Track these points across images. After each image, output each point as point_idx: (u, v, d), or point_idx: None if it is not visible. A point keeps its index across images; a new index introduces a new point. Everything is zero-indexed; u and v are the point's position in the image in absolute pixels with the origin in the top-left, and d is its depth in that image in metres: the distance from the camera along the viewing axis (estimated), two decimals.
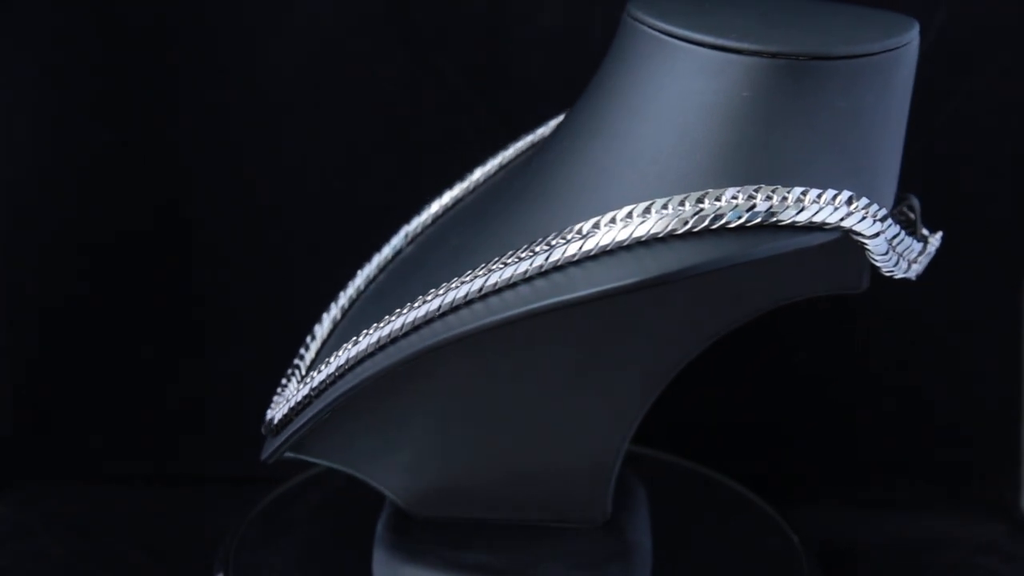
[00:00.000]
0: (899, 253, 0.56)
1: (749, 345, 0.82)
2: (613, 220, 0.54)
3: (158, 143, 0.82)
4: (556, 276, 0.55)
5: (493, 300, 0.56)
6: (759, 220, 0.52)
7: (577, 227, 0.54)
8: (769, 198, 0.52)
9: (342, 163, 0.83)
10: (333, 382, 0.61)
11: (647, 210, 0.53)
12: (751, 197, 0.52)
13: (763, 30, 0.55)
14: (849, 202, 0.53)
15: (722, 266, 0.53)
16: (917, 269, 0.58)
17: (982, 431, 0.86)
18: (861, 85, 0.55)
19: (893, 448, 0.87)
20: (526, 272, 0.55)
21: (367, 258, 0.69)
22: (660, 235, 0.53)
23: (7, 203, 0.82)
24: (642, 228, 0.53)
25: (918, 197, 0.60)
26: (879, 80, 0.55)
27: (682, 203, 0.53)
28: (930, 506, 0.84)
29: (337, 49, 0.81)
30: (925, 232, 0.60)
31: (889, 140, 0.57)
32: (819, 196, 0.53)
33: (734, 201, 0.52)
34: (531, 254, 0.55)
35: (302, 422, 0.62)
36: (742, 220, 0.52)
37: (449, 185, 0.69)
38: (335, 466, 0.67)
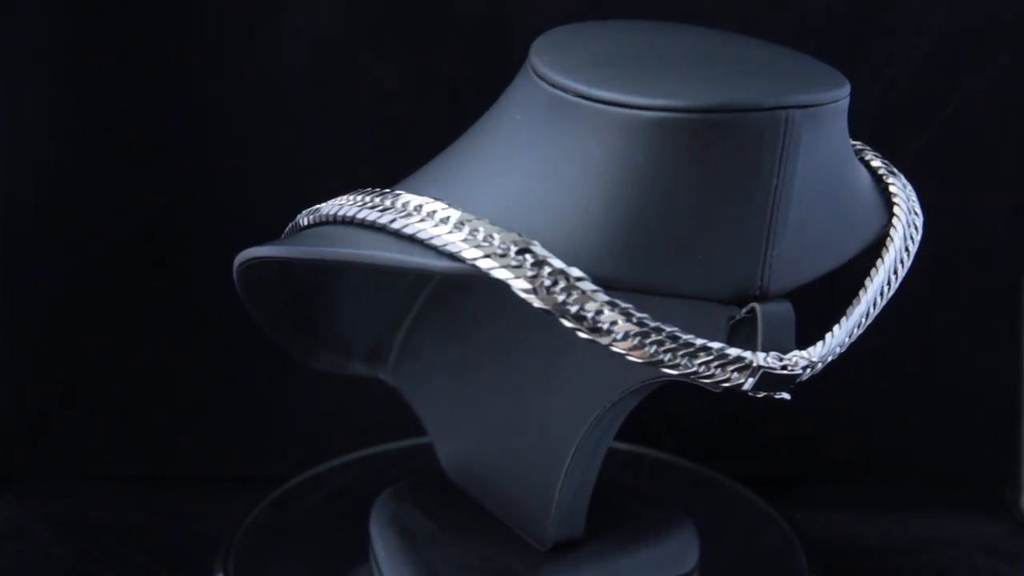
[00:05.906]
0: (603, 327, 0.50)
1: None
2: (418, 208, 0.54)
3: (158, 143, 0.82)
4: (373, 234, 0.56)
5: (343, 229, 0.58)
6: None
7: (404, 199, 0.55)
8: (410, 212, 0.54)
9: (342, 163, 0.83)
10: None
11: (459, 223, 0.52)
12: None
13: (592, 70, 0.53)
14: (516, 248, 0.49)
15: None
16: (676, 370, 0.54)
17: (982, 431, 0.86)
18: (631, 141, 0.50)
19: (893, 448, 0.87)
20: (356, 216, 0.57)
21: None
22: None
23: (7, 203, 0.82)
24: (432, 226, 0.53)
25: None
26: (648, 139, 0.50)
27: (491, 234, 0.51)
28: (930, 506, 0.84)
29: (337, 49, 0.81)
30: (795, 354, 0.54)
31: (676, 215, 0.51)
32: (484, 233, 0.50)
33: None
34: (359, 205, 0.57)
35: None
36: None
37: None
38: (404, 394, 0.72)
